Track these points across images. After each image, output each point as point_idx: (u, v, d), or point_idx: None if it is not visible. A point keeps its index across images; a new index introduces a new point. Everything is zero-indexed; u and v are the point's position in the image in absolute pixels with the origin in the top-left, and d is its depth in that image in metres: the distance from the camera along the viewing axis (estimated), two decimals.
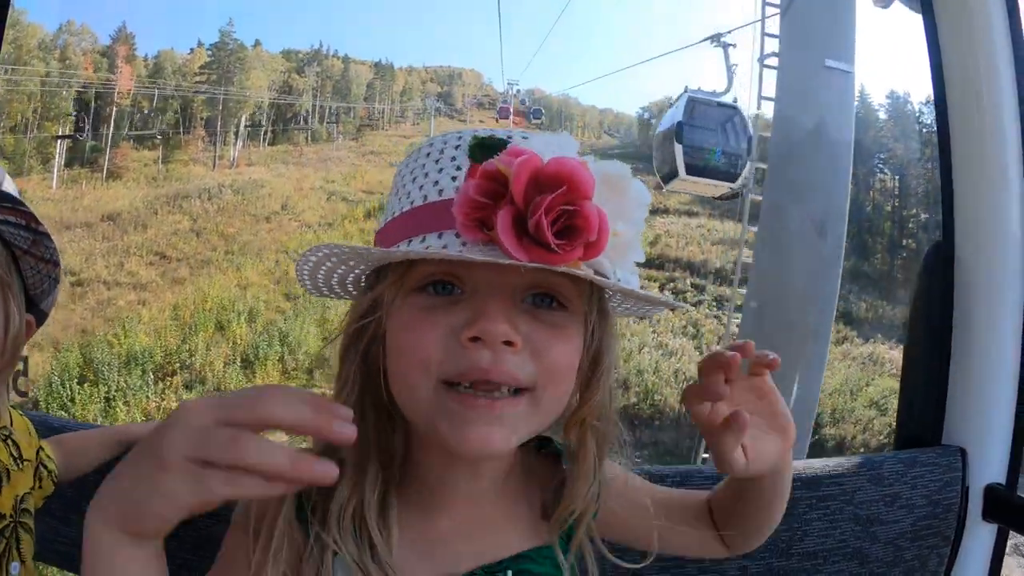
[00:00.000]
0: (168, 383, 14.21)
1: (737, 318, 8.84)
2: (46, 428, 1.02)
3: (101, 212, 21.17)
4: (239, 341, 15.65)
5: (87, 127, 23.62)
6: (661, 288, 20.96)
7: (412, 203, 0.63)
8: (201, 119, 28.95)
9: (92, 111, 25.08)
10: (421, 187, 0.63)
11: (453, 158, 0.63)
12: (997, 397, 1.18)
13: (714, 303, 20.73)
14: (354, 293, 0.72)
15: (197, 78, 29.81)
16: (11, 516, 0.86)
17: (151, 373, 13.65)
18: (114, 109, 25.83)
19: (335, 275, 0.68)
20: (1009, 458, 1.18)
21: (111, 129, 25.12)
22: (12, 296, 0.81)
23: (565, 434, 0.72)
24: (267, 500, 0.65)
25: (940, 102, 1.20)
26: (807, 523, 1.13)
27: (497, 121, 37.74)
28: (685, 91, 12.71)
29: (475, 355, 0.58)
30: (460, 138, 0.65)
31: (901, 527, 1.17)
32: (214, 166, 26.93)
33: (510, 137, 0.60)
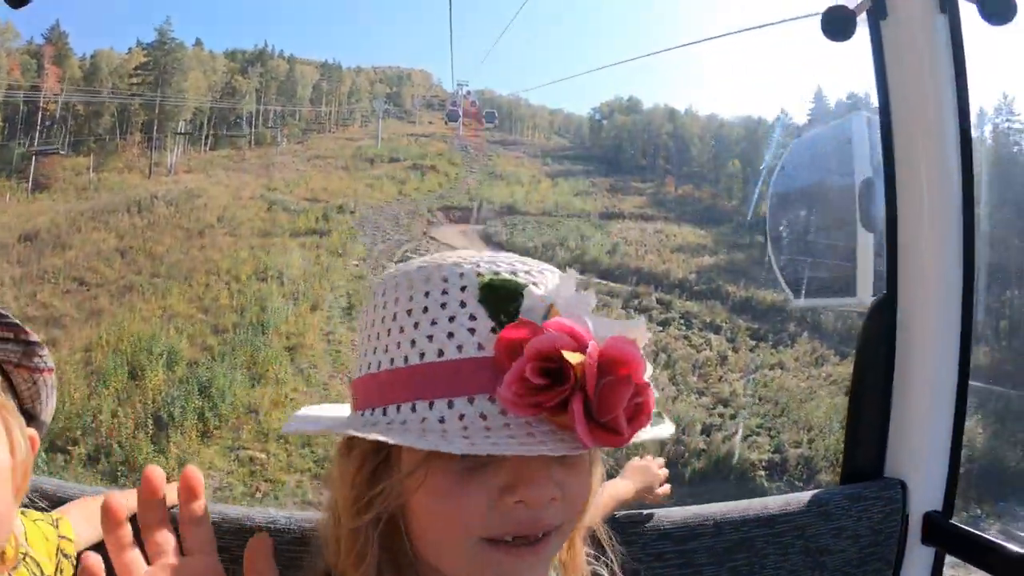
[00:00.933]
0: (68, 456, 12.54)
1: None
2: (50, 498, 0.99)
3: (20, 231, 19.40)
4: (153, 396, 14.03)
5: None
6: (624, 306, 19.73)
7: (423, 355, 0.59)
8: (139, 124, 27.58)
9: (21, 116, 23.64)
10: (431, 337, 0.59)
11: (463, 303, 0.59)
12: (934, 433, 1.27)
13: (682, 322, 19.33)
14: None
15: (132, 79, 28.46)
16: None
17: (45, 443, 12.88)
18: (40, 114, 24.41)
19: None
20: (945, 488, 1.27)
21: (37, 136, 23.69)
22: (12, 419, 0.73)
23: None
24: None
25: (888, 157, 1.27)
26: (764, 556, 1.19)
27: (447, 124, 36.94)
28: (858, 110, 4.48)
29: (519, 515, 0.58)
30: (462, 275, 0.60)
31: (847, 556, 1.24)
32: (150, 174, 25.60)
33: (515, 275, 0.60)
